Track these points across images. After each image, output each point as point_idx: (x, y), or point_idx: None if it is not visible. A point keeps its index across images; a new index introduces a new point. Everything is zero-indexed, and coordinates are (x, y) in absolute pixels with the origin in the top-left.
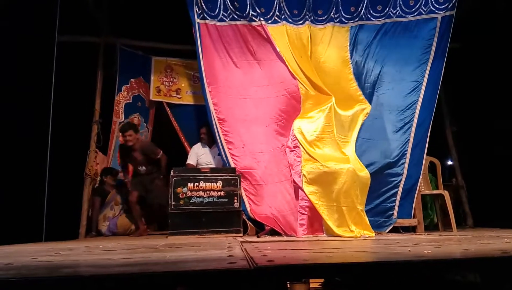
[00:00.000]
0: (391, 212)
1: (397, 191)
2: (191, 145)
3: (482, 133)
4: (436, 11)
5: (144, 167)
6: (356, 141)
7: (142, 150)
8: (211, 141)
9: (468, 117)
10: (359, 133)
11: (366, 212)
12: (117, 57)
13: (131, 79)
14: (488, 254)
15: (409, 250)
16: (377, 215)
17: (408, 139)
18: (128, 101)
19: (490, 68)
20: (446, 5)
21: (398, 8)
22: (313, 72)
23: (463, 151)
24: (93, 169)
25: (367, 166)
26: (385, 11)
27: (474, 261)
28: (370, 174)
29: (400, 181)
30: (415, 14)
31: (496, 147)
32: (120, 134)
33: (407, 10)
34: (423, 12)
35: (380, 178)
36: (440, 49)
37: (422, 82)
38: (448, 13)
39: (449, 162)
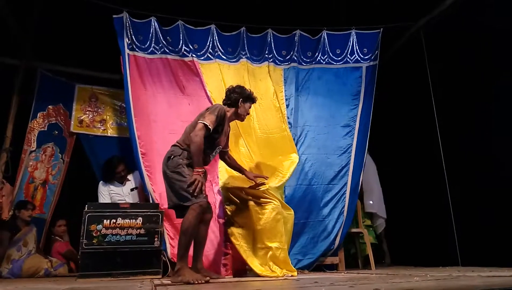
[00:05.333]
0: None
1: (337, 235)
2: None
3: (401, 175)
4: (361, 61)
5: None
6: (294, 187)
7: None
8: (124, 178)
9: (390, 159)
10: (297, 179)
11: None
12: (37, 81)
13: (49, 106)
14: None
15: None
16: (307, 254)
17: (346, 183)
18: (43, 129)
19: (404, 114)
20: (370, 55)
21: (326, 55)
22: None
23: (383, 191)
24: None
25: (306, 210)
26: (315, 56)
27: None
28: (311, 221)
29: (341, 226)
30: (343, 62)
31: (415, 188)
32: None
33: (335, 58)
34: (350, 61)
35: (319, 225)
36: (367, 95)
37: (355, 127)
38: (371, 63)
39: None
